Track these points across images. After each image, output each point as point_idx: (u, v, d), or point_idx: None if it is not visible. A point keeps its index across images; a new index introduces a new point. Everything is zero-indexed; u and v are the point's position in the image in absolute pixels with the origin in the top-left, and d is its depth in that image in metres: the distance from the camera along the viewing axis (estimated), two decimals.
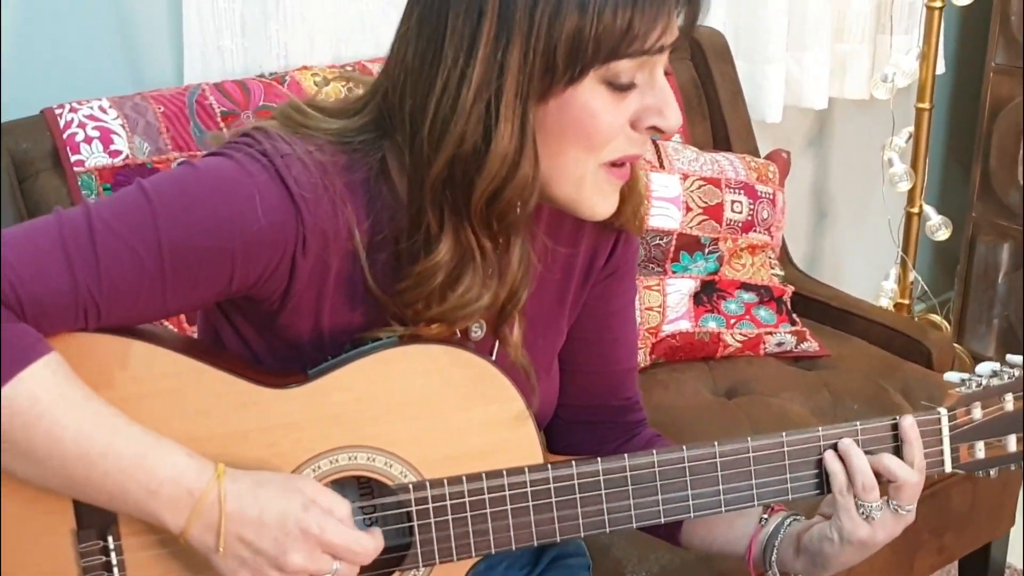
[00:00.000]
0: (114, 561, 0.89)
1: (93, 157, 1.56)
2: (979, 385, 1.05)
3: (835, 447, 1.01)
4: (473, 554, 0.95)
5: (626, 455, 0.97)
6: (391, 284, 0.93)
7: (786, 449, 1.00)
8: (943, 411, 1.04)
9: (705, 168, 1.92)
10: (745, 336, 1.87)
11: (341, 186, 0.90)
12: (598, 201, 0.94)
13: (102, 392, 0.87)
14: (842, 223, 2.64)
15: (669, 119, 0.90)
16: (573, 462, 0.96)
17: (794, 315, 1.94)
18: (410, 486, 0.93)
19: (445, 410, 0.93)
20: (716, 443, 0.99)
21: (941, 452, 1.03)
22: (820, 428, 1.01)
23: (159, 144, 1.60)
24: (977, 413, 1.04)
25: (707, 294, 1.89)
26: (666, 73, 0.93)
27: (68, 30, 1.65)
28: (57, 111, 1.57)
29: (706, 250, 1.88)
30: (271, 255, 0.88)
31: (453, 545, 0.94)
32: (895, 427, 1.02)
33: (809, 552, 1.02)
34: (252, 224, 0.86)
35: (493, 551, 0.95)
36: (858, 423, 1.02)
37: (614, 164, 0.93)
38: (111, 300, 0.84)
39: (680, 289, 1.86)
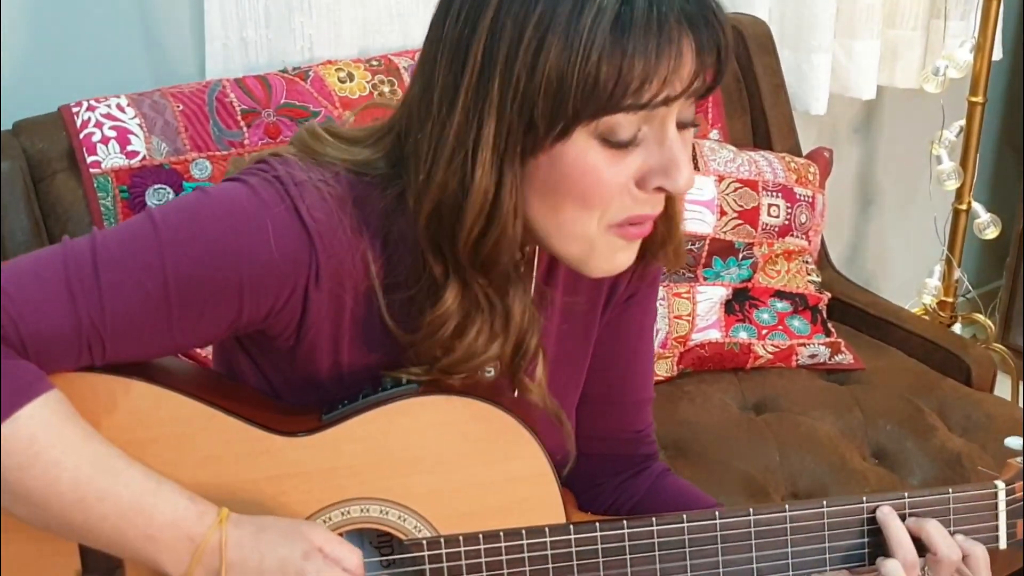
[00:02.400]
0: None
1: (110, 158, 1.57)
2: None
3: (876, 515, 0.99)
4: None
5: (654, 518, 0.97)
6: (409, 324, 0.94)
7: (826, 520, 0.99)
8: (1001, 484, 1.01)
9: (742, 169, 1.89)
10: (777, 347, 1.86)
11: (357, 220, 0.91)
12: (609, 258, 0.91)
13: (107, 434, 0.87)
14: (888, 213, 2.61)
15: (677, 182, 0.86)
16: (597, 524, 0.96)
17: (829, 324, 1.93)
18: (424, 542, 0.94)
19: (463, 465, 0.94)
20: (751, 509, 0.98)
21: (996, 528, 1.01)
22: (864, 497, 1.00)
23: (177, 144, 1.61)
24: None
25: (739, 302, 1.88)
26: (684, 125, 0.87)
27: (88, 20, 1.65)
28: (74, 109, 1.57)
29: (740, 256, 1.87)
30: (282, 287, 0.88)
31: None
32: (943, 502, 0.99)
33: None
34: (262, 255, 0.86)
35: None
36: (906, 494, 1.00)
37: (624, 224, 0.90)
38: (116, 335, 0.85)
39: (711, 297, 1.85)
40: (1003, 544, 1.02)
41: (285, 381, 0.96)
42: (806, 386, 1.84)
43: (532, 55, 0.82)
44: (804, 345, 1.89)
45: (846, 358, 1.90)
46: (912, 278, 2.50)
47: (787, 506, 0.98)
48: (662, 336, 1.82)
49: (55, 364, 0.85)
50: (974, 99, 2.23)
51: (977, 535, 1.00)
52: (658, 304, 1.82)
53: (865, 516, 0.99)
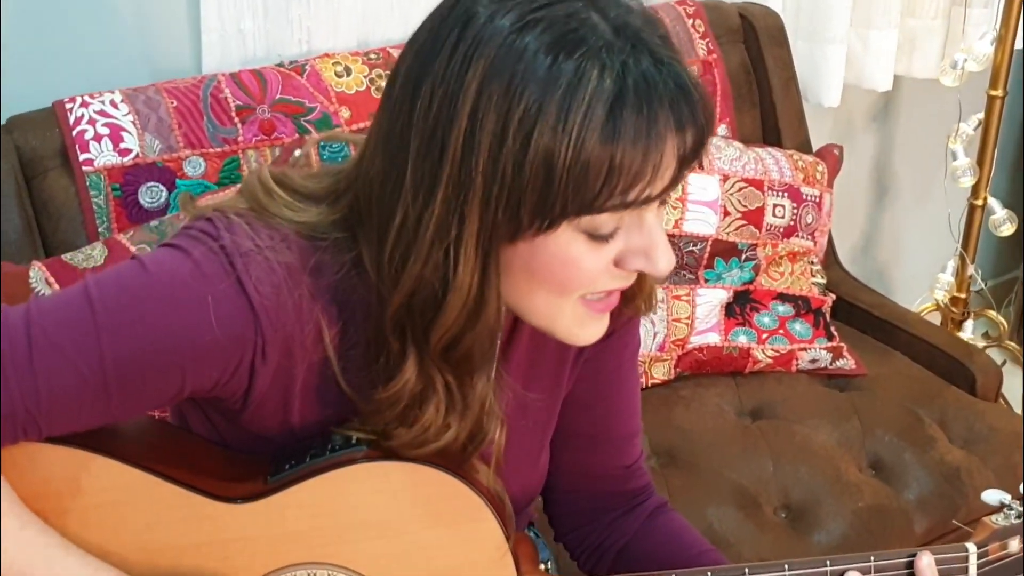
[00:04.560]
0: None
1: (102, 156, 1.54)
2: (1019, 516, 0.98)
3: None
4: None
5: None
6: (366, 388, 0.90)
7: None
8: (972, 547, 0.97)
9: (748, 168, 1.84)
10: (777, 352, 1.82)
11: (309, 289, 0.85)
12: (577, 332, 0.88)
13: (47, 503, 0.84)
14: (902, 205, 2.53)
15: (658, 264, 0.83)
16: None
17: (832, 328, 1.87)
18: None
19: (411, 530, 0.90)
20: (709, 572, 0.95)
21: None
22: (828, 560, 0.95)
23: (171, 142, 1.57)
24: (1015, 546, 0.97)
25: (740, 305, 1.83)
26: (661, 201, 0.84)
27: (83, 11, 1.61)
28: (68, 105, 1.54)
29: (743, 257, 1.82)
30: (226, 364, 0.84)
31: None
32: (911, 565, 0.96)
33: None
34: (204, 334, 0.82)
35: None
36: (872, 556, 0.96)
37: (596, 300, 0.87)
38: (52, 418, 0.81)
39: (711, 300, 1.80)
40: None
41: (234, 433, 0.92)
42: (805, 392, 1.78)
43: (518, 150, 0.76)
44: (805, 350, 1.83)
45: (848, 363, 1.86)
46: (926, 270, 2.43)
47: (746, 568, 0.94)
48: (660, 339, 1.78)
49: None
50: (994, 92, 2.14)
51: None
52: (658, 306, 1.80)
53: None
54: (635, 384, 1.14)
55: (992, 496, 1.00)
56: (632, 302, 0.95)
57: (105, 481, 0.86)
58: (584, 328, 0.88)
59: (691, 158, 0.81)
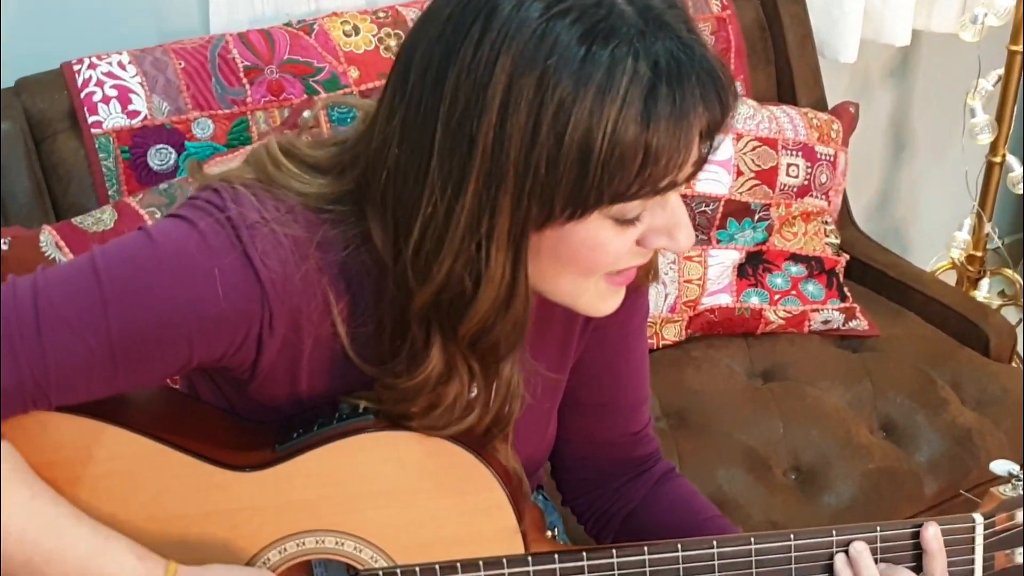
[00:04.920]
0: None
1: (111, 118, 1.53)
2: None
3: (847, 551, 0.95)
4: None
5: (614, 549, 0.93)
6: (375, 356, 0.90)
7: (793, 554, 0.95)
8: (978, 518, 0.96)
9: (762, 127, 1.81)
10: (789, 313, 1.81)
11: (317, 262, 0.85)
12: (598, 306, 0.90)
13: (57, 471, 0.85)
14: (919, 162, 2.49)
15: (679, 242, 0.85)
16: (556, 555, 0.93)
17: (845, 289, 1.86)
18: (380, 572, 0.91)
19: (419, 499, 0.90)
20: (715, 542, 0.94)
21: (971, 561, 0.96)
22: (834, 530, 0.95)
23: (179, 103, 1.57)
24: (1021, 517, 0.96)
25: (752, 266, 1.82)
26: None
27: None
28: (76, 67, 1.53)
29: (756, 217, 1.80)
30: (234, 336, 0.84)
31: None
32: (917, 535, 0.95)
33: None
34: (211, 307, 0.82)
35: None
36: (878, 527, 0.95)
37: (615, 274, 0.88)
38: (61, 390, 0.82)
39: (723, 261, 1.79)
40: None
41: (242, 402, 0.92)
42: (817, 354, 1.77)
43: (553, 145, 0.76)
44: (817, 311, 1.82)
45: (860, 324, 1.85)
46: (942, 227, 2.41)
47: (752, 538, 0.94)
48: (671, 300, 1.77)
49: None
50: (1014, 47, 2.09)
51: (950, 568, 0.95)
52: (669, 268, 1.79)
53: (835, 550, 0.94)
54: (643, 352, 1.13)
55: (1000, 466, 0.99)
56: (638, 274, 0.95)
57: (115, 450, 0.87)
58: (605, 302, 0.90)
59: (714, 138, 0.81)
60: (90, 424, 0.86)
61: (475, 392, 0.88)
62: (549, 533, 1.11)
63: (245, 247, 0.82)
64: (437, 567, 0.92)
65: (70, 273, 0.83)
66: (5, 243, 1.40)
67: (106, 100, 1.54)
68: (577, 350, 1.07)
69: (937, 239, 2.37)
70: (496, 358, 0.87)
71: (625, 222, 0.82)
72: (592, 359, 1.09)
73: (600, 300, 0.89)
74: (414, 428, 0.89)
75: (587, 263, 0.84)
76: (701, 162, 0.82)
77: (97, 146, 1.54)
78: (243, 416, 0.95)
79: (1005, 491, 0.97)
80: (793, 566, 0.95)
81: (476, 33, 0.77)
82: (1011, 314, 2.32)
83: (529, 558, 0.93)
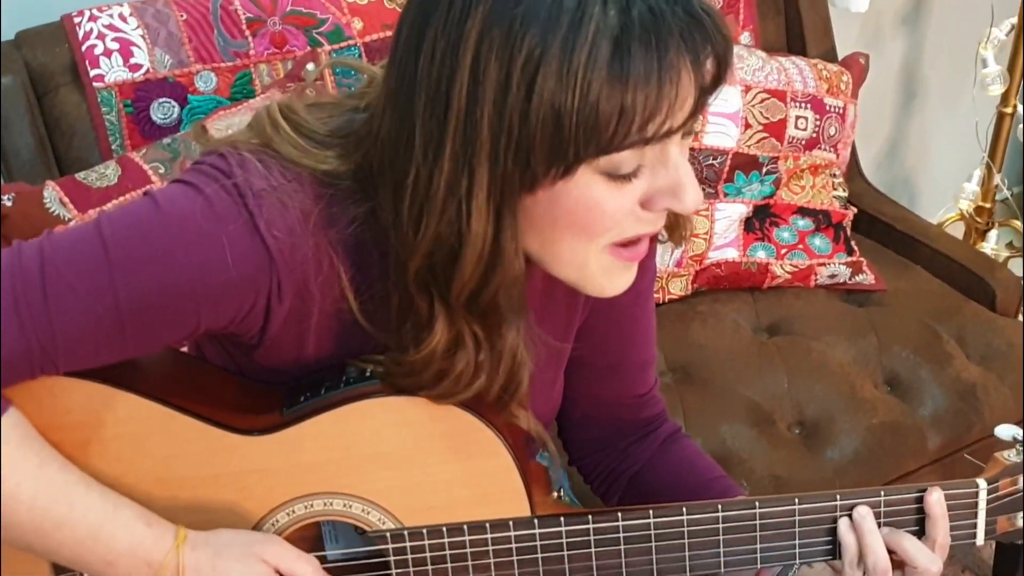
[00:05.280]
0: None
1: (113, 72, 1.52)
2: None
3: (851, 515, 0.95)
4: None
5: (619, 512, 0.94)
6: (384, 326, 0.89)
7: (797, 517, 0.95)
8: (982, 483, 0.96)
9: (771, 78, 1.79)
10: (795, 267, 1.80)
11: (324, 234, 0.85)
12: (604, 284, 0.86)
13: (67, 434, 0.85)
14: (930, 110, 2.46)
15: (685, 202, 0.80)
16: (562, 518, 0.93)
17: (852, 243, 1.85)
18: (387, 534, 0.92)
19: (426, 463, 0.91)
20: (720, 505, 0.95)
21: (974, 525, 0.96)
22: (838, 494, 0.95)
23: (181, 56, 1.55)
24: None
25: (759, 220, 1.81)
26: (685, 134, 0.80)
27: None
28: (76, 19, 1.51)
29: (763, 170, 1.79)
30: (242, 303, 0.84)
31: None
32: (920, 500, 0.95)
33: None
34: (220, 275, 0.81)
35: None
36: (881, 491, 0.95)
37: (623, 244, 0.84)
38: (68, 356, 0.81)
39: (730, 215, 1.78)
40: (980, 541, 0.97)
41: (250, 364, 0.92)
42: (823, 308, 1.76)
43: (523, 99, 0.73)
44: (824, 265, 1.80)
45: (867, 278, 1.84)
46: (951, 177, 2.39)
47: (757, 502, 0.94)
48: (677, 255, 1.76)
49: (7, 382, 0.82)
50: None
51: (954, 531, 0.95)
52: None
53: (838, 514, 0.94)
54: (650, 315, 1.13)
55: (1005, 431, 0.98)
56: (672, 235, 0.94)
57: (124, 414, 0.87)
58: (612, 279, 0.87)
59: (712, 87, 0.78)
60: (99, 389, 0.86)
61: (482, 357, 0.87)
62: (555, 494, 1.12)
63: (252, 215, 0.81)
64: (444, 529, 0.92)
65: (76, 239, 0.82)
66: (9, 200, 1.39)
67: (107, 53, 1.52)
68: (583, 313, 1.07)
69: (946, 189, 2.36)
70: (497, 320, 0.85)
71: (619, 178, 0.79)
72: (599, 321, 1.08)
73: (606, 277, 0.86)
74: (426, 397, 0.89)
75: (584, 224, 0.81)
76: (698, 109, 0.78)
77: (99, 100, 1.52)
78: (251, 378, 0.95)
79: (1009, 456, 0.97)
80: (797, 529, 0.95)
81: None
82: (1018, 265, 2.31)
83: (535, 520, 0.94)
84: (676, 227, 0.96)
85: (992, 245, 2.28)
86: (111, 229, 0.82)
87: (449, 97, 0.76)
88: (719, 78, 0.78)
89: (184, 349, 1.02)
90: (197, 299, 0.82)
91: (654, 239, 0.95)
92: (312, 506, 0.91)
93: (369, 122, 0.85)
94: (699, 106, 0.78)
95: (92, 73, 1.51)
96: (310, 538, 0.97)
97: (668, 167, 0.80)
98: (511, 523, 0.93)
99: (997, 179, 2.23)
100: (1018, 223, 2.30)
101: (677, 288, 1.78)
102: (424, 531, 0.92)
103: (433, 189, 0.78)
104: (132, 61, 1.52)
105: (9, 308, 0.79)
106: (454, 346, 0.86)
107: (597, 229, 0.82)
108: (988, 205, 2.27)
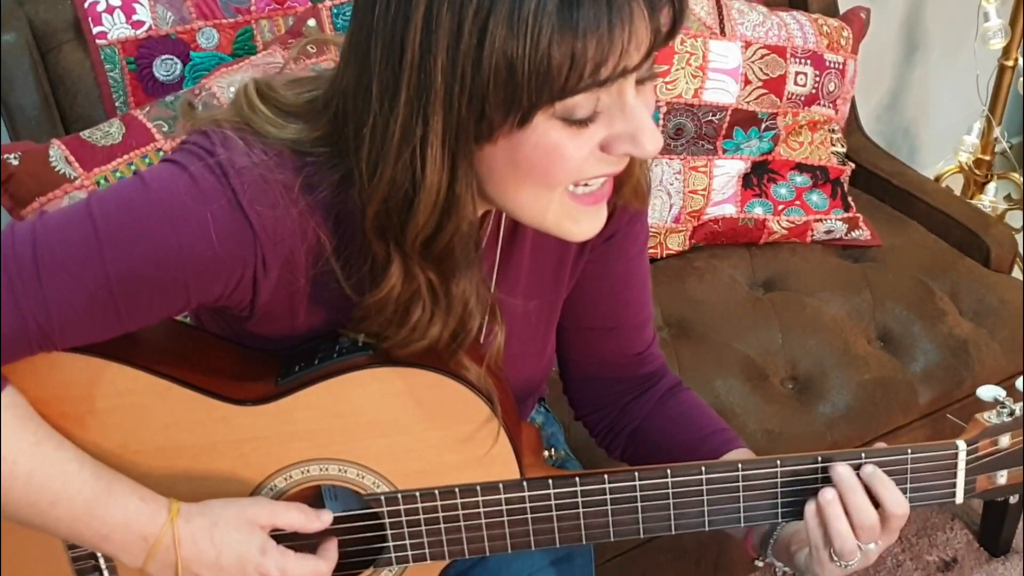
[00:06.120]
0: (103, 565, 0.94)
1: (116, 29, 1.51)
2: (1012, 414, 0.96)
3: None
4: (447, 558, 0.97)
5: (606, 475, 0.95)
6: (363, 291, 0.90)
7: (780, 479, 0.96)
8: (962, 444, 0.96)
9: (771, 34, 1.77)
10: (792, 223, 1.80)
11: (306, 204, 0.85)
12: (572, 228, 0.86)
13: (66, 407, 0.87)
14: (933, 61, 2.42)
15: (644, 146, 0.80)
16: (550, 480, 0.95)
17: (849, 199, 1.85)
18: (382, 498, 0.94)
19: (417, 429, 0.92)
20: (703, 467, 0.96)
21: (953, 484, 0.97)
22: (819, 455, 0.95)
23: (183, 13, 1.54)
24: (1005, 441, 0.96)
25: (757, 176, 1.80)
26: (644, 80, 0.79)
27: None
28: None
29: (762, 126, 1.78)
30: (229, 277, 0.85)
31: (427, 551, 0.96)
32: (903, 461, 0.95)
33: (796, 566, 1.01)
34: (205, 250, 0.82)
35: (467, 555, 0.97)
36: (863, 453, 0.95)
37: (585, 190, 0.84)
38: (63, 332, 0.82)
39: (728, 171, 1.77)
40: (960, 499, 0.98)
41: (245, 333, 0.94)
42: (818, 263, 1.76)
43: (475, 47, 0.73)
44: (821, 221, 1.80)
45: (863, 234, 1.83)
46: (951, 129, 2.37)
47: (740, 464, 0.95)
48: (675, 211, 1.76)
49: (5, 361, 0.83)
50: None
51: (933, 491, 0.97)
52: (675, 178, 1.77)
53: (820, 476, 0.95)
54: (644, 277, 1.12)
55: (987, 392, 0.98)
56: (620, 190, 0.94)
57: (121, 386, 0.88)
58: (578, 223, 0.86)
59: (669, 32, 0.77)
60: (97, 362, 0.87)
61: (436, 304, 0.87)
62: (546, 453, 1.13)
63: (235, 191, 0.82)
64: (436, 491, 0.94)
65: (67, 219, 0.83)
66: (15, 158, 1.39)
67: (110, 10, 1.51)
68: (571, 279, 1.07)
69: (945, 142, 2.34)
70: (451, 267, 0.85)
71: (576, 122, 0.79)
72: (593, 286, 1.08)
73: (571, 220, 0.86)
74: (388, 349, 0.90)
75: (545, 170, 0.80)
76: (652, 50, 0.77)
77: (103, 57, 1.52)
78: (248, 346, 0.96)
79: (990, 418, 0.97)
80: (779, 489, 0.97)
81: None
82: (1016, 218, 2.30)
83: (524, 483, 0.95)
84: (628, 180, 0.95)
85: (991, 197, 2.27)
86: (101, 208, 0.82)
87: (403, 46, 0.76)
88: (675, 22, 0.78)
89: (185, 317, 1.03)
90: (185, 274, 0.83)
91: (623, 188, 0.94)
92: (308, 471, 0.93)
93: (334, 78, 0.85)
94: (654, 47, 0.77)
95: (95, 30, 1.50)
96: (309, 502, 0.99)
97: (625, 111, 0.80)
98: (501, 486, 0.95)
99: (996, 132, 2.21)
100: (1017, 175, 2.29)
101: (675, 243, 1.78)
102: (417, 494, 0.94)
103: (388, 135, 0.78)
104: (135, 18, 1.51)
105: (6, 288, 0.80)
106: (409, 291, 0.86)
107: (557, 174, 0.81)
108: (987, 158, 2.26)
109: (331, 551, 0.94)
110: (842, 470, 0.95)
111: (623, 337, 1.14)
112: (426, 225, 0.81)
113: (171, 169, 0.83)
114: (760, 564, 1.05)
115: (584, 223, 0.87)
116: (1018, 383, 0.99)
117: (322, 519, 0.92)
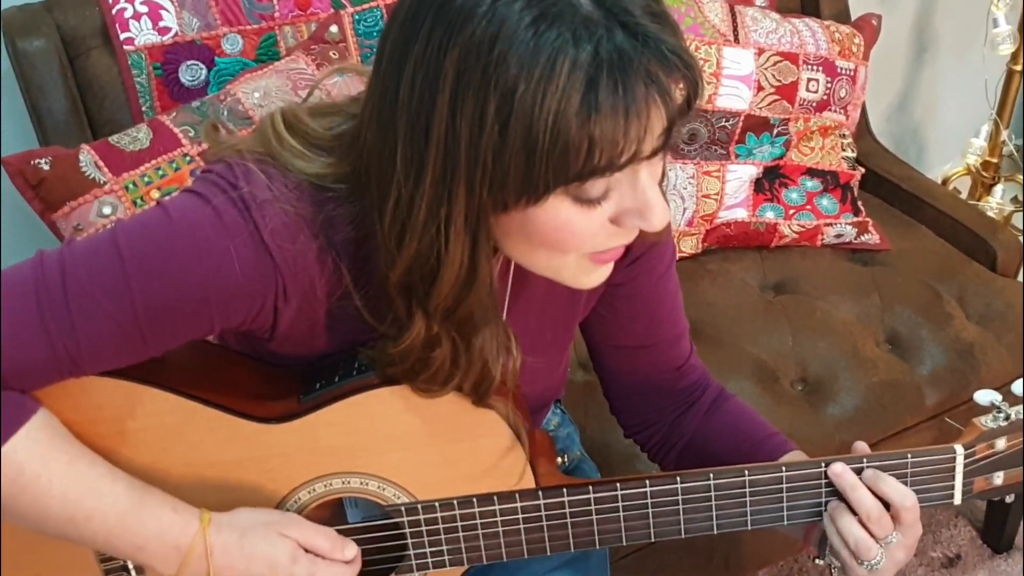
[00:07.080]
0: (131, 566, 0.95)
1: (143, 35, 1.51)
2: (1007, 419, 0.97)
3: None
4: (465, 564, 0.97)
5: (618, 483, 0.96)
6: (386, 311, 0.90)
7: (785, 484, 0.97)
8: (959, 448, 0.96)
9: (784, 41, 1.76)
10: (803, 227, 1.79)
11: (325, 240, 0.86)
12: (582, 279, 0.87)
13: (98, 427, 0.88)
14: (942, 64, 2.40)
15: (652, 222, 0.81)
16: (564, 489, 0.95)
17: (859, 203, 1.84)
18: (403, 508, 0.95)
19: (435, 443, 0.93)
20: (711, 473, 0.97)
21: (951, 487, 0.98)
22: (823, 461, 0.96)
23: (208, 19, 1.54)
24: (1001, 444, 0.97)
25: (769, 180, 1.80)
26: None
27: None
28: None
29: (774, 132, 1.77)
30: (250, 305, 0.86)
31: (446, 558, 0.96)
32: (903, 465, 0.96)
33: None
34: (229, 281, 0.83)
35: (485, 562, 0.98)
36: (864, 459, 0.96)
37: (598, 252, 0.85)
38: (92, 359, 0.84)
39: (741, 176, 1.77)
40: (958, 501, 0.98)
41: (267, 352, 0.95)
42: (828, 267, 1.75)
43: (497, 138, 0.74)
44: (831, 225, 1.79)
45: (872, 238, 1.83)
46: (959, 131, 2.36)
47: (746, 470, 0.96)
48: (688, 214, 1.76)
49: (34, 387, 0.84)
50: None
51: (932, 493, 0.97)
52: (688, 182, 1.77)
53: (823, 481, 0.96)
54: (675, 292, 1.11)
55: (984, 397, 0.98)
56: (644, 236, 0.94)
57: (151, 408, 0.89)
58: (588, 276, 0.88)
59: (682, 114, 0.78)
60: (127, 386, 0.88)
61: (457, 356, 0.88)
62: (559, 460, 1.14)
63: (257, 225, 0.83)
64: (455, 502, 0.95)
65: (95, 250, 0.83)
66: (46, 163, 1.40)
67: (137, 16, 1.51)
68: (592, 297, 1.07)
69: (953, 143, 2.33)
70: (472, 328, 0.87)
71: (588, 202, 0.80)
72: (624, 305, 1.08)
73: (583, 274, 0.87)
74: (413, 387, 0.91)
75: (556, 243, 0.82)
76: (667, 140, 0.78)
77: (130, 63, 1.52)
78: (270, 363, 0.97)
79: (986, 422, 0.97)
80: (785, 493, 0.97)
81: (427, 26, 0.75)
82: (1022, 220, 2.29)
83: (540, 492, 0.96)
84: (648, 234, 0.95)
85: (997, 199, 2.26)
86: (127, 240, 0.83)
87: (429, 128, 0.76)
88: (690, 106, 0.78)
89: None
90: (209, 304, 0.84)
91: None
92: (331, 484, 0.94)
93: (358, 126, 0.85)
94: (669, 132, 0.78)
95: (122, 36, 1.51)
96: (331, 514, 0.99)
97: (636, 189, 0.81)
98: (517, 495, 0.96)
99: (1004, 135, 2.20)
100: (1023, 177, 2.28)
101: (688, 247, 1.78)
102: (436, 504, 0.95)
103: (414, 211, 0.79)
104: (161, 24, 1.52)
105: (35, 317, 0.81)
106: (431, 343, 0.87)
107: (569, 247, 0.83)
108: (995, 160, 2.24)
109: (355, 559, 0.95)
110: (838, 468, 0.96)
111: (659, 353, 1.13)
112: (448, 295, 0.83)
113: (195, 201, 0.84)
114: (820, 563, 1.05)
115: (594, 276, 0.89)
116: (1015, 387, 0.99)
117: (346, 553, 0.92)
